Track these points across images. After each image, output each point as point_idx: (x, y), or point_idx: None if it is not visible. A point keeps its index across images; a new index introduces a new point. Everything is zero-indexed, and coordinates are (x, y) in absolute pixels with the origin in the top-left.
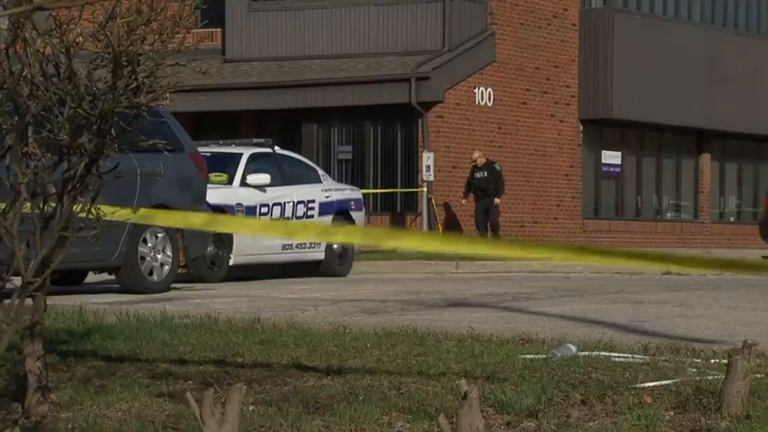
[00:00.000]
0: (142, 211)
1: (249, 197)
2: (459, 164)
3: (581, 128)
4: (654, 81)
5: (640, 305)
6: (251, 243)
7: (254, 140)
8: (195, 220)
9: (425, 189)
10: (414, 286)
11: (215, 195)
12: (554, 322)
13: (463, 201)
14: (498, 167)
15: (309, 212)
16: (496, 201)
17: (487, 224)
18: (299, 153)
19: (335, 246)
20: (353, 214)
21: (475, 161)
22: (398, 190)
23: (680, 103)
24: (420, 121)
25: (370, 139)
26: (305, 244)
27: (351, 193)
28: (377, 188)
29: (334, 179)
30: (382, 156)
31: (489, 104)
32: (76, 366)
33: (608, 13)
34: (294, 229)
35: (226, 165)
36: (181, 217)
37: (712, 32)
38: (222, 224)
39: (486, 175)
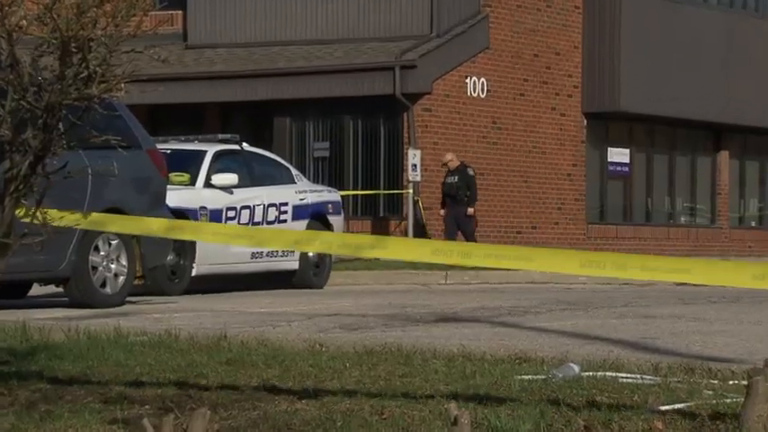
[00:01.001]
0: (94, 215)
1: (214, 200)
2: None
3: (585, 122)
4: (666, 70)
5: (651, 320)
6: (216, 251)
7: (220, 136)
8: (153, 225)
9: (411, 190)
10: (398, 299)
11: (176, 198)
12: (555, 339)
13: (441, 212)
14: (471, 172)
15: (282, 216)
16: (470, 210)
17: (457, 235)
18: (270, 150)
19: (311, 254)
20: (331, 218)
21: (446, 164)
22: (381, 191)
23: (695, 95)
24: (405, 114)
25: (350, 134)
26: (276, 252)
27: (328, 194)
28: (357, 189)
29: (309, 179)
30: (363, 153)
31: (482, 96)
32: (19, 390)
33: None
34: None
35: (188, 163)
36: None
37: (731, 16)
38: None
39: (456, 180)
